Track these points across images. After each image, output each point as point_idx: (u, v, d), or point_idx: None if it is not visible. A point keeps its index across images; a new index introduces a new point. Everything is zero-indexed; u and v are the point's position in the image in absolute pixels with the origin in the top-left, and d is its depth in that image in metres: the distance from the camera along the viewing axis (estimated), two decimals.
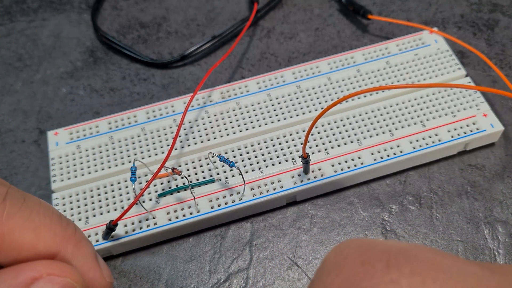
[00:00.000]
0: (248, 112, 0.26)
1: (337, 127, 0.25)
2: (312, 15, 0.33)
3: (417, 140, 0.25)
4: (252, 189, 0.24)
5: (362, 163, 0.24)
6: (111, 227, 0.22)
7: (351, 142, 0.25)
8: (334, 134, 0.25)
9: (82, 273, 0.17)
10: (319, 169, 0.24)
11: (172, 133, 0.26)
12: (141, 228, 0.23)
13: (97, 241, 0.23)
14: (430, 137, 0.25)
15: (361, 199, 0.25)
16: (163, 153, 0.25)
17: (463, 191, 0.25)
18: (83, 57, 0.32)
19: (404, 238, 0.24)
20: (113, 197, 0.24)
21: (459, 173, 0.25)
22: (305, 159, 0.23)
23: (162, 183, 0.24)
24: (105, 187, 0.25)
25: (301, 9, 0.33)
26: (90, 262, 0.18)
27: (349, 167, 0.24)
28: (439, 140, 0.25)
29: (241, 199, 0.24)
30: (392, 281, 0.11)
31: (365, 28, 0.32)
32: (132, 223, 0.23)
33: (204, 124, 0.26)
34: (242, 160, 0.25)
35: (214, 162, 0.25)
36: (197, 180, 0.24)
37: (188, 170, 0.25)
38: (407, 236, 0.24)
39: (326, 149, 0.25)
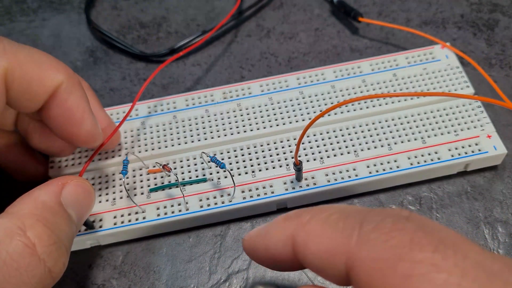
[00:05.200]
0: (248, 114, 0.26)
1: (335, 137, 0.25)
2: (312, 15, 0.33)
3: (415, 156, 0.24)
4: (243, 191, 0.24)
5: (356, 175, 0.24)
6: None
7: (348, 152, 0.25)
8: (331, 144, 0.25)
9: (76, 111, 0.20)
10: (312, 178, 0.24)
11: (171, 129, 0.26)
12: (129, 221, 0.23)
13: (85, 230, 0.23)
14: (429, 154, 0.24)
15: (361, 199, 0.25)
16: (159, 148, 0.26)
17: (463, 191, 0.25)
18: (83, 57, 0.32)
19: None
20: (106, 188, 0.25)
21: (459, 173, 0.25)
22: (298, 166, 0.22)
23: (155, 178, 0.25)
24: (99, 177, 0.25)
25: (301, 9, 0.33)
26: (83, 102, 0.20)
27: (342, 178, 0.24)
28: (439, 158, 0.24)
29: (230, 201, 0.24)
30: (433, 264, 0.12)
31: (366, 28, 0.32)
32: (122, 215, 0.24)
33: (203, 123, 0.26)
34: (236, 162, 0.25)
35: (208, 162, 0.25)
36: (190, 178, 0.24)
37: (182, 167, 0.25)
38: None
39: (321, 158, 0.24)
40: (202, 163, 0.25)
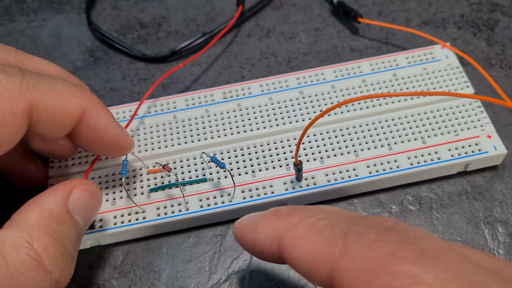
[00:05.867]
0: (248, 114, 0.26)
1: (335, 137, 0.25)
2: (312, 15, 0.33)
3: (415, 157, 0.24)
4: (243, 191, 0.24)
5: (356, 175, 0.24)
6: None
7: (348, 153, 0.25)
8: (331, 144, 0.25)
9: (108, 131, 0.21)
10: (312, 178, 0.24)
11: (171, 129, 0.26)
12: (129, 221, 0.23)
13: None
14: (429, 154, 0.24)
15: (361, 199, 0.25)
16: (159, 148, 0.26)
17: (463, 191, 0.25)
18: (83, 57, 0.32)
19: None
20: (106, 187, 0.24)
21: (459, 173, 0.25)
22: (298, 166, 0.22)
23: (155, 178, 0.25)
24: (99, 177, 0.25)
25: (301, 9, 0.33)
26: (111, 120, 0.21)
27: (342, 178, 0.24)
28: (439, 158, 0.24)
29: (230, 201, 0.24)
30: (413, 276, 0.12)
31: (366, 28, 0.32)
32: (122, 215, 0.24)
33: (203, 123, 0.26)
34: (236, 162, 0.25)
35: (209, 162, 0.25)
36: (190, 178, 0.24)
37: (182, 167, 0.25)
38: None
39: (321, 158, 0.24)
40: (202, 163, 0.25)
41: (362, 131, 0.25)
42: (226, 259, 0.24)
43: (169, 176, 0.24)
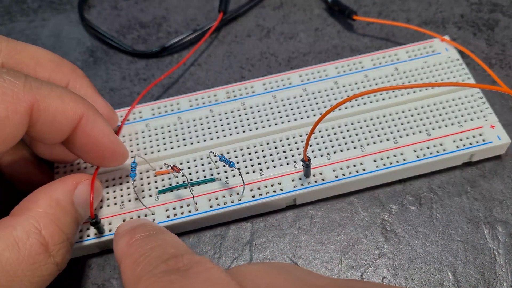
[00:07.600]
0: (252, 113, 0.26)
1: (341, 132, 0.25)
2: (312, 15, 0.33)
3: (421, 149, 0.24)
4: (252, 190, 0.24)
5: (364, 170, 0.24)
6: (92, 222, 0.22)
7: (354, 148, 0.25)
8: (337, 139, 0.25)
9: (104, 138, 0.21)
10: (320, 173, 0.24)
11: (176, 130, 0.26)
12: None
13: (95, 234, 0.23)
14: (434, 146, 0.24)
15: (361, 199, 0.25)
16: (165, 150, 0.25)
17: (463, 191, 0.25)
18: (83, 57, 0.32)
19: (404, 238, 0.24)
20: (114, 191, 0.24)
21: (459, 173, 0.25)
22: (306, 162, 0.23)
23: (162, 180, 0.24)
24: (106, 181, 0.25)
25: (301, 9, 0.33)
26: (108, 128, 0.22)
27: (350, 173, 0.24)
28: (444, 150, 0.24)
29: (240, 200, 0.24)
30: None
31: (366, 28, 0.32)
32: (131, 218, 0.23)
33: (208, 123, 0.26)
34: (244, 161, 0.25)
35: (216, 162, 0.25)
36: (198, 178, 0.24)
37: (189, 168, 0.25)
38: (407, 236, 0.24)
39: (328, 154, 0.25)
40: (209, 163, 0.25)
41: (367, 126, 0.25)
42: (226, 259, 0.24)
43: (177, 177, 0.24)
